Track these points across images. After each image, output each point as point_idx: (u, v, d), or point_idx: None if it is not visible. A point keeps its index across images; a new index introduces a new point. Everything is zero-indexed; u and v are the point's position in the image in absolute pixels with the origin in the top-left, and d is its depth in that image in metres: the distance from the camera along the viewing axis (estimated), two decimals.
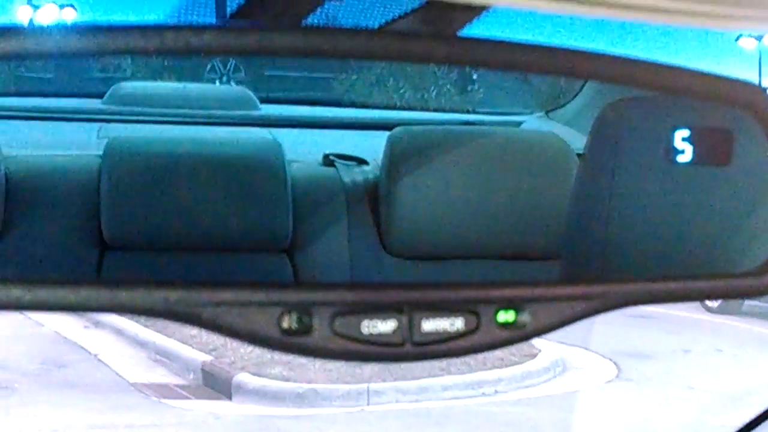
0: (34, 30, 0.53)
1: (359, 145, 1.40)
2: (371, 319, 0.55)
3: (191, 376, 10.03)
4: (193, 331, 11.20)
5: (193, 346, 10.60)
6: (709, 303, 13.21)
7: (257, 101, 1.71)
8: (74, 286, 0.54)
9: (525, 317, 0.58)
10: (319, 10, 0.61)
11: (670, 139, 0.75)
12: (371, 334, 0.55)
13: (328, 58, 0.59)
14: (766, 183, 0.69)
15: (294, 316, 0.54)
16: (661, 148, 0.77)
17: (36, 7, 18.86)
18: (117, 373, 10.20)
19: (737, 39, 18.38)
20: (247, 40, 0.56)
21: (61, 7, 19.05)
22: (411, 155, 1.22)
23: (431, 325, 0.55)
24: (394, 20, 0.65)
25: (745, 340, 11.41)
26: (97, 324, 12.64)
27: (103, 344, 11.60)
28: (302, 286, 0.55)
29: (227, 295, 0.54)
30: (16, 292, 0.52)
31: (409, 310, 0.54)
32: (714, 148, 0.74)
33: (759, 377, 8.59)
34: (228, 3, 0.63)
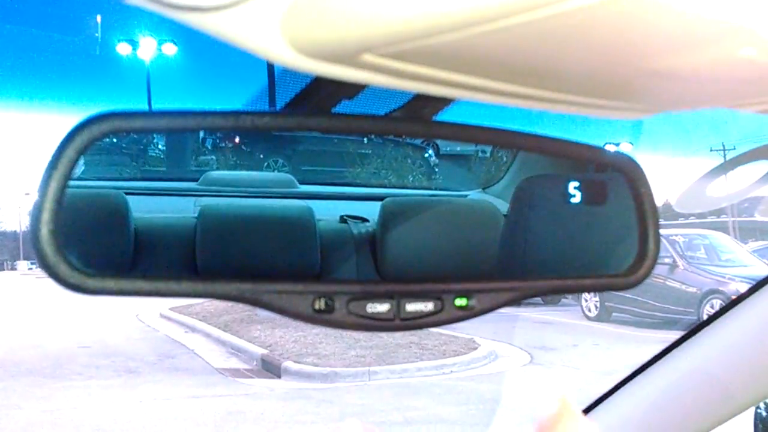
0: (144, 113, 0.54)
1: (363, 210, 1.35)
2: (373, 303, 0.57)
3: (254, 363, 10.06)
4: (256, 333, 11.25)
5: (256, 344, 10.65)
6: (588, 313, 13.32)
7: (297, 182, 1.66)
8: (178, 280, 0.55)
9: (473, 302, 0.60)
10: (343, 102, 0.58)
11: (566, 188, 0.76)
12: (373, 313, 0.58)
13: (347, 135, 0.66)
14: (630, 215, 0.66)
15: (322, 301, 0.57)
16: (559, 195, 0.78)
17: (135, 45, 16.10)
18: (206, 362, 10.28)
19: None
20: (293, 121, 0.60)
21: (161, 43, 16.26)
22: (396, 215, 1.19)
23: (412, 306, 0.58)
24: (394, 110, 0.62)
25: (614, 339, 11.45)
26: (194, 330, 12.80)
27: (197, 343, 11.71)
28: (328, 281, 0.53)
29: (279, 286, 0.56)
30: (141, 284, 0.54)
31: (397, 297, 0.58)
32: (595, 193, 0.75)
33: (622, 361, 8.57)
34: (279, 98, 0.62)
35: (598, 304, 13.25)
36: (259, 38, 0.42)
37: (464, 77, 0.48)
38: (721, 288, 11.64)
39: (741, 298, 1.29)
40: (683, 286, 12.29)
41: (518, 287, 0.64)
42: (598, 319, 13.16)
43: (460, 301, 0.60)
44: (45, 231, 0.51)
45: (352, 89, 0.58)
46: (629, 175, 0.67)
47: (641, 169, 0.67)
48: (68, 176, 0.52)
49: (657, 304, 12.28)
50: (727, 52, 0.42)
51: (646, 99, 0.54)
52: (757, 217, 21.49)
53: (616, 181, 0.70)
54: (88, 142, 0.52)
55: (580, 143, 0.65)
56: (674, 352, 1.37)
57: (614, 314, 13.06)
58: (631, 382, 1.43)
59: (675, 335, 1.38)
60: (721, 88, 0.51)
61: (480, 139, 0.65)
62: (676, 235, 13.53)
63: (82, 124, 0.52)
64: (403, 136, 0.72)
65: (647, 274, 0.67)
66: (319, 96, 0.60)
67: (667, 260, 12.47)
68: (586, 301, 13.50)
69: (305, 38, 0.42)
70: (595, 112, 0.57)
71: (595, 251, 0.79)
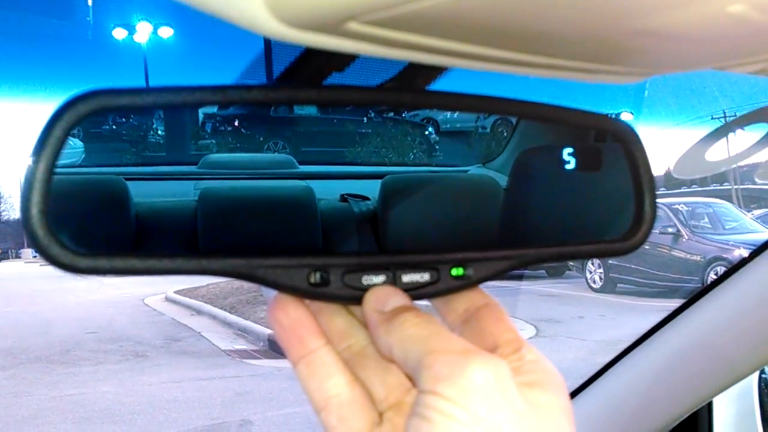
0: (131, 90, 0.53)
1: (363, 188, 1.36)
2: (368, 274, 0.56)
3: (261, 344, 10.14)
4: (262, 314, 11.23)
5: (262, 324, 10.70)
6: (593, 284, 13.33)
7: (297, 163, 1.67)
8: (172, 257, 0.54)
9: (470, 271, 0.58)
10: (333, 75, 0.58)
11: (561, 155, 0.75)
12: (369, 285, 0.56)
13: (338, 106, 0.62)
14: (624, 182, 0.66)
15: (318, 274, 0.56)
16: (555, 163, 0.76)
17: (132, 30, 15.89)
18: (213, 344, 10.37)
19: None
20: (282, 94, 0.58)
21: (157, 27, 16.12)
22: (396, 191, 1.20)
23: (408, 278, 0.57)
24: (385, 81, 0.61)
25: (619, 310, 11.49)
26: (200, 312, 12.89)
27: (204, 325, 11.82)
28: (323, 254, 0.53)
29: (273, 261, 0.55)
30: (134, 262, 0.53)
31: (393, 269, 0.57)
32: (590, 159, 0.74)
33: (627, 331, 8.65)
34: (276, 74, 0.61)
35: (602, 276, 13.28)
36: (241, 7, 0.41)
37: (453, 44, 0.47)
38: (724, 255, 11.67)
39: (742, 263, 1.29)
40: (687, 255, 12.34)
41: (515, 255, 0.63)
42: (602, 290, 13.14)
43: (457, 271, 0.59)
44: (35, 211, 0.51)
45: (342, 61, 0.57)
46: (623, 139, 0.66)
47: (635, 132, 0.66)
48: (57, 155, 0.52)
49: (661, 273, 12.34)
50: (715, 9, 0.41)
51: (636, 61, 0.54)
52: (760, 184, 21.46)
53: (611, 147, 0.70)
54: (76, 121, 0.52)
55: (572, 109, 0.64)
56: (676, 320, 1.39)
57: (619, 285, 13.05)
58: (634, 351, 1.43)
59: (679, 303, 1.38)
60: (711, 48, 0.50)
61: (474, 108, 0.63)
62: (679, 204, 13.53)
63: (68, 103, 0.51)
64: (396, 108, 0.73)
65: (644, 239, 0.66)
66: (309, 69, 0.59)
67: (670, 230, 12.51)
68: (591, 272, 13.54)
69: (288, 7, 0.41)
70: (587, 77, 0.56)
71: (593, 218, 0.78)
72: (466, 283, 0.59)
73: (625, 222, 0.67)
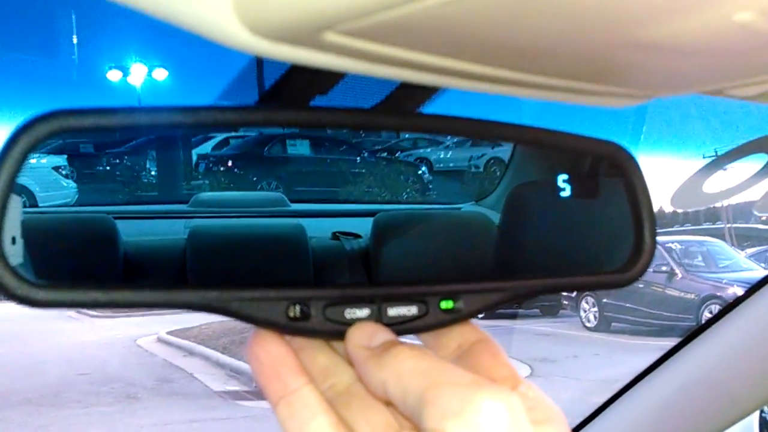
0: (95, 110, 0.50)
1: (355, 226, 1.33)
2: (351, 308, 0.53)
3: (254, 384, 9.41)
4: None
5: None
6: (587, 323, 13.20)
7: (288, 201, 1.64)
8: (135, 289, 0.51)
9: (460, 304, 0.55)
10: (318, 98, 0.55)
11: (555, 183, 0.71)
12: (352, 319, 0.53)
13: (319, 128, 0.58)
14: (623, 210, 0.63)
15: (297, 308, 0.52)
16: (550, 193, 0.73)
17: (126, 72, 15.67)
18: (205, 385, 10.27)
19: None
20: (259, 116, 0.55)
21: (152, 69, 15.84)
22: (389, 228, 1.17)
23: (395, 311, 0.54)
24: (378, 103, 0.58)
25: (614, 348, 11.44)
26: (192, 353, 12.73)
27: (196, 366, 11.66)
28: (303, 286, 0.50)
29: (249, 293, 0.52)
30: (96, 294, 0.49)
31: (378, 301, 0.54)
32: (586, 186, 0.70)
33: (622, 370, 7.78)
34: (258, 93, 0.59)
35: (597, 314, 13.23)
36: (210, 18, 0.39)
37: (438, 59, 0.45)
38: (719, 293, 11.67)
39: (739, 300, 1.28)
40: (682, 294, 12.33)
41: (509, 287, 0.59)
42: (597, 329, 13.08)
43: (446, 304, 0.56)
44: None
45: (326, 82, 0.54)
46: (620, 165, 0.63)
47: (633, 158, 0.63)
48: (13, 179, 0.48)
49: (656, 311, 12.31)
50: (720, 18, 0.38)
51: (634, 81, 0.51)
52: (752, 222, 21.55)
53: (607, 178, 0.68)
54: (35, 142, 0.49)
55: (568, 133, 0.61)
56: (674, 357, 1.37)
57: (613, 324, 12.99)
58: (633, 390, 1.41)
59: (675, 342, 1.36)
60: (714, 64, 0.47)
61: (466, 131, 0.60)
62: (673, 243, 13.55)
63: (27, 124, 0.49)
64: (381, 130, 0.64)
65: (644, 270, 0.63)
66: (290, 92, 0.55)
67: (664, 268, 12.50)
68: (585, 311, 13.49)
69: (259, 15, 0.39)
70: (583, 99, 0.54)
71: (589, 248, 0.74)
72: (457, 317, 0.56)
73: (623, 252, 0.64)
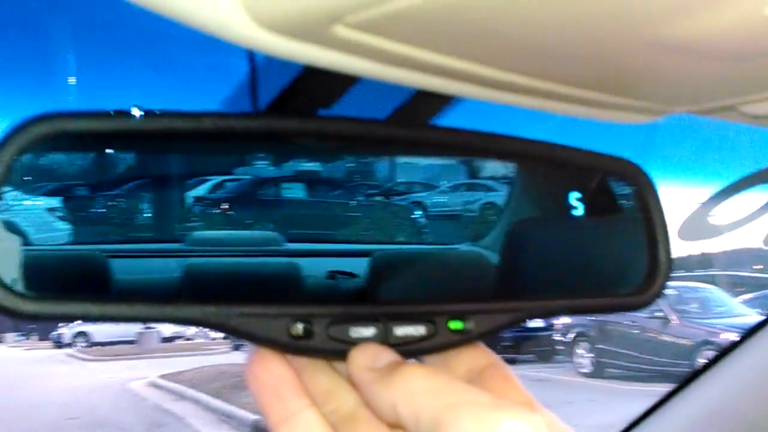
0: (91, 113, 0.49)
1: (351, 266, 1.34)
2: (357, 326, 0.51)
3: (246, 429, 9.83)
4: (247, 399, 10.45)
5: (247, 410, 10.29)
6: (582, 369, 13.11)
7: (284, 240, 1.64)
8: (130, 302, 0.49)
9: (470, 325, 0.53)
10: (332, 106, 0.53)
11: (564, 202, 0.69)
12: (357, 338, 0.51)
13: (320, 139, 0.56)
14: (637, 228, 0.61)
15: (300, 326, 0.51)
16: (561, 211, 0.71)
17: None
18: (196, 430, 10.12)
19: None
20: (259, 123, 0.54)
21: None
22: (386, 266, 1.17)
23: (402, 330, 0.52)
24: (391, 113, 0.56)
25: (609, 394, 11.38)
26: (184, 397, 12.59)
27: (188, 410, 11.51)
28: (306, 302, 0.47)
29: (250, 309, 0.50)
30: (88, 306, 0.48)
31: (384, 320, 0.52)
32: (600, 204, 0.68)
33: (617, 416, 8.64)
34: (260, 100, 0.57)
35: (592, 360, 13.14)
36: (218, 13, 0.38)
37: (448, 59, 0.43)
38: (713, 339, 11.61)
39: (734, 346, 1.27)
40: (676, 339, 12.26)
41: (520, 308, 0.58)
42: (592, 375, 12.98)
43: (455, 324, 0.54)
44: None
45: (333, 92, 0.53)
46: (635, 183, 0.61)
47: (648, 175, 0.61)
48: (2, 183, 0.47)
49: (650, 357, 12.22)
50: (749, 12, 0.34)
51: (650, 93, 0.48)
52: (745, 270, 21.53)
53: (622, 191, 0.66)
54: (26, 145, 0.47)
55: (579, 149, 0.60)
56: (671, 402, 1.36)
57: (608, 369, 12.87)
58: None
59: (670, 388, 1.35)
60: (736, 69, 0.43)
61: (473, 144, 0.58)
62: (667, 289, 13.49)
63: (18, 126, 0.47)
64: (389, 142, 0.61)
65: (659, 292, 0.61)
66: (296, 103, 0.54)
67: (658, 314, 12.45)
68: (580, 357, 13.40)
69: (268, 8, 0.37)
70: (595, 113, 0.52)
71: (602, 269, 0.72)
72: (466, 338, 0.54)
73: (637, 274, 0.62)
